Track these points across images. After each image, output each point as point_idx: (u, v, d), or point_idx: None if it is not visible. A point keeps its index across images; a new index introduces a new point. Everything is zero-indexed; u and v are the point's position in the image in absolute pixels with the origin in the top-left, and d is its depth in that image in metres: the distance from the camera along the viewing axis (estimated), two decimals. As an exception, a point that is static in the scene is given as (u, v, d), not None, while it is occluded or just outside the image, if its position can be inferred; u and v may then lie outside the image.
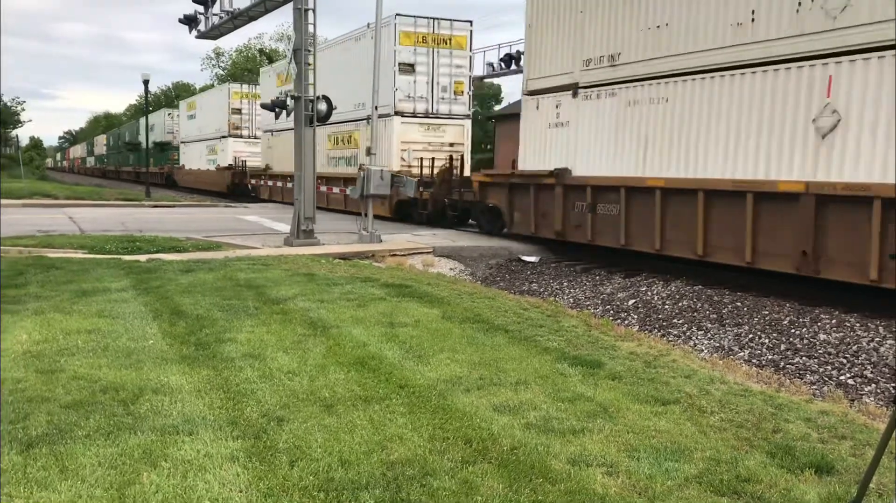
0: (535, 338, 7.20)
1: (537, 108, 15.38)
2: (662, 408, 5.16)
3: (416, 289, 9.71)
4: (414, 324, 7.57)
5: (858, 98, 9.51)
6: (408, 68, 21.37)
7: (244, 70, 65.05)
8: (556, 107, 14.77)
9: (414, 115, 21.50)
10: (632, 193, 13.02)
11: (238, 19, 17.72)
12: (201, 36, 18.96)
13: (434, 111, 21.80)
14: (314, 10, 14.86)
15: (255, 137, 36.28)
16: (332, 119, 16.95)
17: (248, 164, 35.45)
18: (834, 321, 9.19)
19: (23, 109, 66.75)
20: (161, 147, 50.35)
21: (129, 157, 62.34)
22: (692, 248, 11.87)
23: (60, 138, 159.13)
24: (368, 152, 15.99)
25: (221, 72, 70.53)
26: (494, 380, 5.69)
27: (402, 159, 21.37)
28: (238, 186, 35.67)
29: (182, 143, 42.69)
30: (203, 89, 59.43)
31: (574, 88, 14.26)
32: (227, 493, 3.67)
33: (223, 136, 38.71)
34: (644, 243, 12.84)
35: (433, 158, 20.35)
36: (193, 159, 43.83)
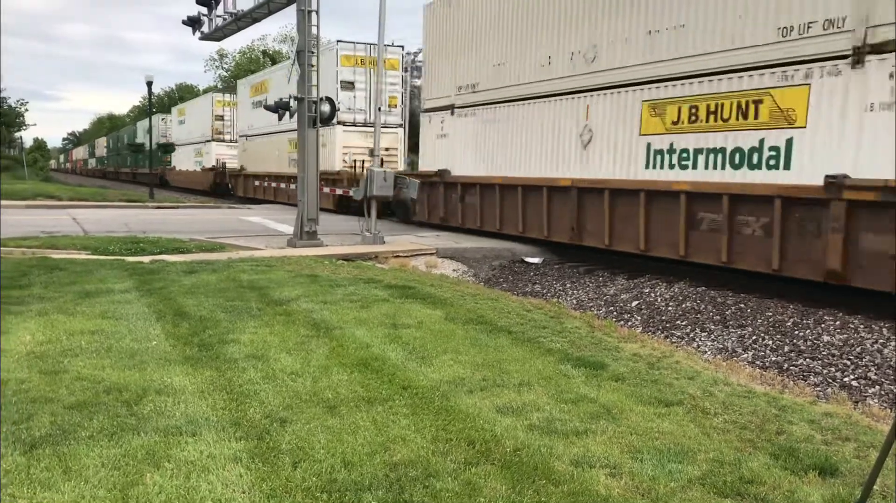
0: (538, 340, 7.20)
1: (430, 122, 19.79)
2: (666, 410, 5.15)
3: (420, 290, 9.71)
4: (417, 325, 7.57)
5: (608, 121, 13.71)
6: (348, 85, 25.83)
7: (247, 72, 65.17)
8: (441, 122, 19.14)
9: (354, 124, 25.80)
10: (484, 189, 17.33)
11: (241, 21, 17.73)
12: (205, 37, 18.96)
13: (371, 121, 24.07)
14: (317, 12, 14.88)
15: (235, 141, 39.56)
16: (289, 127, 20.91)
17: (227, 165, 39.51)
18: (838, 323, 9.17)
19: (26, 111, 66.89)
20: (165, 149, 50.59)
21: (126, 158, 65.41)
22: (516, 226, 16.32)
23: (64, 139, 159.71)
24: (371, 153, 15.98)
25: (225, 73, 70.72)
26: (497, 381, 5.69)
27: (344, 161, 25.52)
28: (219, 185, 39.60)
29: (174, 145, 46.34)
30: (206, 90, 60.23)
31: (451, 108, 18.69)
32: (230, 494, 3.67)
33: (207, 141, 42.56)
34: (490, 225, 17.19)
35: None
36: (183, 161, 47.46)
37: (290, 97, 15.11)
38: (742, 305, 10.32)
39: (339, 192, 24.38)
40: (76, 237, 15.30)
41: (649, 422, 4.87)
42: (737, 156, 11.27)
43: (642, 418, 4.95)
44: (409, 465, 4.03)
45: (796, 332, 9.11)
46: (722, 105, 11.46)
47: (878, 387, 7.42)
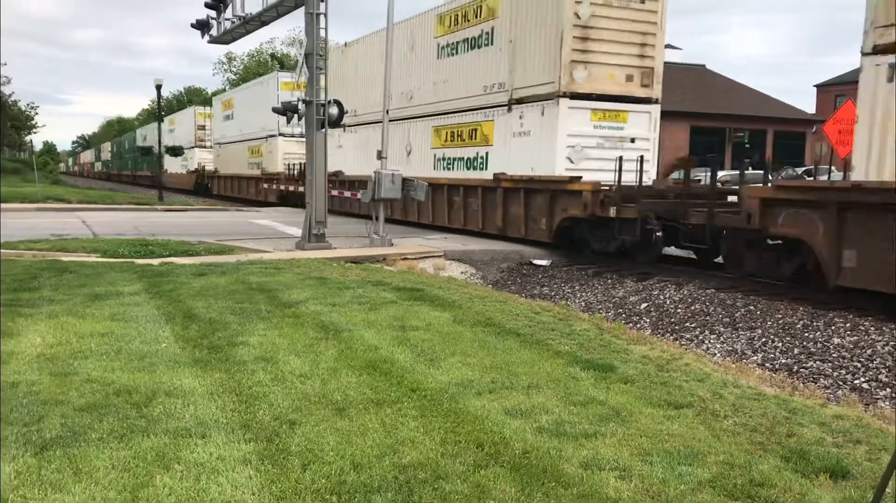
0: (546, 342, 7.19)
1: (330, 135, 23.45)
2: (675, 412, 5.13)
3: (428, 292, 9.71)
4: (425, 327, 7.57)
5: (418, 139, 20.85)
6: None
7: (256, 74, 65.36)
8: (338, 136, 25.11)
9: (292, 135, 31.39)
10: (362, 183, 20.09)
11: (250, 24, 17.80)
12: (213, 41, 19.05)
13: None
14: (325, 15, 14.92)
15: (212, 147, 45.87)
16: (248, 137, 34.66)
17: (206, 168, 45.94)
18: (848, 325, 9.12)
19: (36, 114, 67.23)
20: (174, 151, 51.11)
21: (127, 162, 72.17)
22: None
23: (74, 142, 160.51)
24: (379, 156, 16.00)
25: (233, 76, 70.93)
26: (506, 383, 5.69)
27: (284, 164, 31.55)
28: (200, 185, 46.02)
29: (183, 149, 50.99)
30: (214, 93, 60.94)
31: (344, 126, 23.10)
32: (239, 496, 3.68)
33: (191, 147, 48.94)
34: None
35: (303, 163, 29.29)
36: (173, 164, 53.01)
37: (299, 99, 15.15)
38: (751, 307, 10.29)
39: (281, 188, 31.32)
40: (86, 240, 15.37)
41: (659, 425, 4.85)
42: (467, 162, 18.69)
43: (652, 420, 4.94)
44: (418, 468, 4.03)
45: (806, 335, 9.07)
46: (462, 131, 18.89)
47: (889, 389, 7.38)
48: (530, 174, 15.89)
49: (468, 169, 18.46)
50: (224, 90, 63.86)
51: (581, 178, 14.60)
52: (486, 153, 17.68)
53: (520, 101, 16.35)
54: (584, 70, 14.99)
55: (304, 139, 28.01)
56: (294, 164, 30.20)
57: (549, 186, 15.39)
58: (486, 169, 17.50)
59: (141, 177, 62.86)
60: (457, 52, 18.88)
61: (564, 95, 15.00)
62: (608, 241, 14.52)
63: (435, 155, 19.93)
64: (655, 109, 16.03)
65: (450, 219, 19.21)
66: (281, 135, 32.05)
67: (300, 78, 15.24)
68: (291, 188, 29.42)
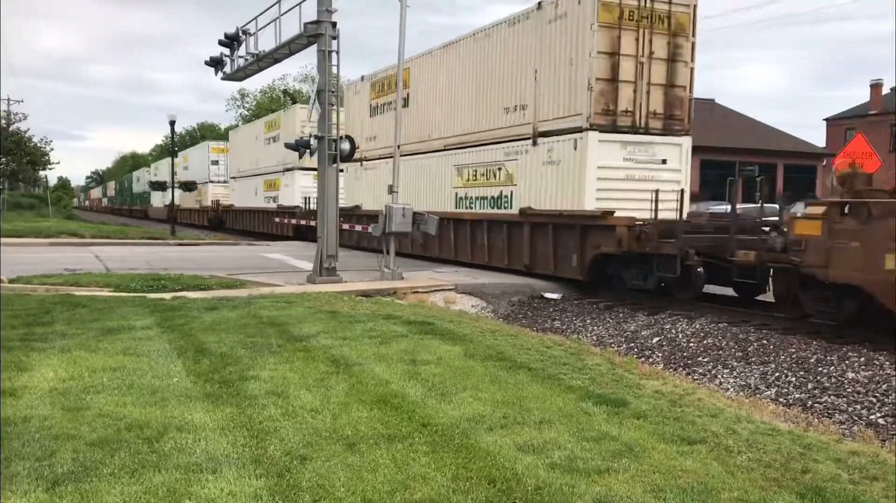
0: (558, 377, 7.16)
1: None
2: (689, 448, 5.09)
3: (439, 326, 9.70)
4: (436, 361, 7.55)
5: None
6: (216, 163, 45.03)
7: (268, 110, 66.08)
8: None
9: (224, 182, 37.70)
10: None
11: (263, 61, 18.04)
12: (227, 78, 19.30)
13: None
14: (338, 53, 15.13)
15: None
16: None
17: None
18: (862, 359, 9.04)
19: (51, 149, 68.00)
20: (187, 186, 51.73)
21: (126, 198, 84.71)
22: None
23: (88, 178, 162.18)
24: (390, 190, 16.10)
25: (246, 112, 71.70)
26: (518, 418, 5.66)
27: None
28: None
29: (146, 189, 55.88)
30: (228, 129, 62.04)
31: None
32: (250, 532, 3.66)
33: (205, 182, 48.92)
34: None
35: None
36: (156, 200, 62.61)
37: (311, 135, 15.31)
38: (764, 341, 10.22)
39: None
40: (98, 274, 15.46)
41: (672, 461, 4.81)
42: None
43: (665, 456, 4.90)
44: (429, 504, 4.01)
45: (820, 369, 9.00)
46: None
47: (905, 425, 7.29)
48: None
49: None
50: (237, 125, 64.82)
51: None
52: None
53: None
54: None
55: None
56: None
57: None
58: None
59: (136, 210, 75.17)
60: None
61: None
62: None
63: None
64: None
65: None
66: (211, 182, 37.60)
67: (313, 114, 15.40)
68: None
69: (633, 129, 14.93)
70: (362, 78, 25.59)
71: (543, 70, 15.79)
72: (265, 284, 14.51)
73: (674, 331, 11.45)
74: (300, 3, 15.84)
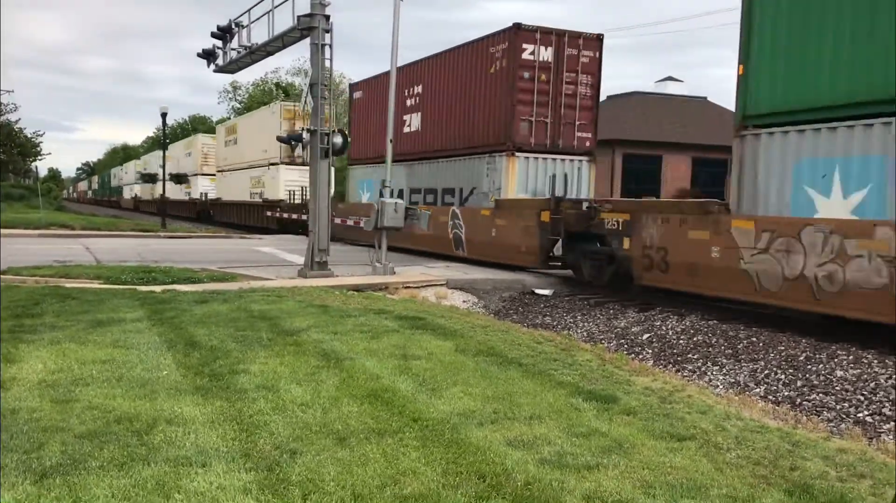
0: (549, 372, 7.17)
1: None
2: (678, 445, 5.11)
3: (430, 321, 9.70)
4: (427, 356, 7.56)
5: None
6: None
7: (261, 103, 65.84)
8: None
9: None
10: None
11: (255, 54, 17.96)
12: (219, 70, 19.21)
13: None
14: (331, 46, 15.08)
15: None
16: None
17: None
18: (851, 357, 9.09)
19: (42, 141, 67.55)
20: (178, 178, 51.60)
21: (107, 191, 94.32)
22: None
23: (78, 169, 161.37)
24: (384, 185, 16.08)
25: (238, 105, 71.38)
26: (508, 414, 5.67)
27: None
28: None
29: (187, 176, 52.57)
30: (219, 122, 61.87)
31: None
32: (239, 526, 3.65)
33: (195, 174, 49.76)
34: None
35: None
36: (126, 193, 75.32)
37: (303, 129, 15.26)
38: (754, 339, 10.26)
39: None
40: (89, 266, 15.40)
41: (661, 457, 4.83)
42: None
43: (654, 453, 4.91)
44: (419, 499, 4.01)
45: (809, 367, 9.04)
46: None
47: (893, 423, 7.33)
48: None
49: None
50: (228, 118, 64.75)
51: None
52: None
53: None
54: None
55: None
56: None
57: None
58: None
59: (113, 201, 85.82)
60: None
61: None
62: None
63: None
64: None
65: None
66: (282, 163, 33.75)
67: (306, 107, 15.35)
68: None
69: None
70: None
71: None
72: (256, 278, 14.48)
73: (664, 327, 11.49)
74: (294, -4, 15.78)
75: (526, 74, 17.71)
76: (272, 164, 34.61)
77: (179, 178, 51.22)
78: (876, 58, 9.61)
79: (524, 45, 17.66)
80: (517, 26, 17.59)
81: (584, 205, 14.67)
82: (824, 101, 10.34)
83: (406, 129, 22.60)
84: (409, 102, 22.50)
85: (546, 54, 17.94)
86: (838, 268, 9.59)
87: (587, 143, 18.81)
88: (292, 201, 32.61)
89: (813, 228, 9.94)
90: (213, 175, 45.31)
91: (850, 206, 10.03)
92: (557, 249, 15.50)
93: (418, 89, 22.03)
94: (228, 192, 41.67)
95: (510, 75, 17.68)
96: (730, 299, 11.88)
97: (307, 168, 33.20)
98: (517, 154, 18.10)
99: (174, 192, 50.41)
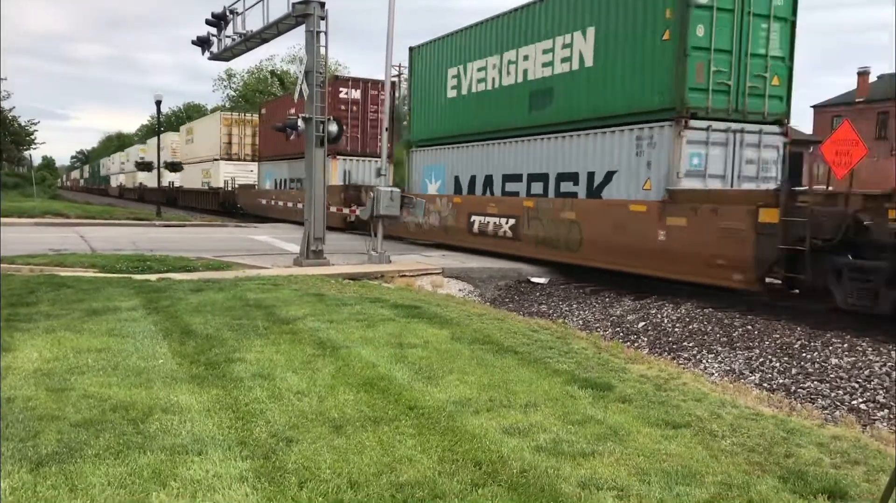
0: (544, 360, 7.18)
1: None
2: (673, 432, 5.12)
3: (426, 309, 9.70)
4: (423, 345, 7.56)
5: None
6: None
7: (255, 91, 65.58)
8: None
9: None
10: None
11: (250, 41, 17.87)
12: (214, 58, 19.11)
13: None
14: (326, 33, 15.01)
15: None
16: (200, 159, 45.00)
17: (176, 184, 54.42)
18: (846, 345, 9.12)
19: (36, 129, 67.21)
20: (172, 167, 51.60)
21: (97, 179, 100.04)
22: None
23: (73, 158, 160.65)
24: (378, 174, 16.04)
25: (233, 93, 71.12)
26: (504, 401, 5.67)
27: (224, 181, 40.65)
28: (170, 199, 51.83)
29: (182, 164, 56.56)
30: (213, 110, 61.94)
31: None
32: (235, 514, 3.66)
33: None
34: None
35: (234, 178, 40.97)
36: (112, 181, 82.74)
37: (299, 116, 15.21)
38: (749, 327, 10.29)
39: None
40: (84, 255, 15.36)
41: (656, 444, 4.84)
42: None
43: (649, 440, 4.93)
44: (415, 486, 4.02)
45: (804, 355, 9.07)
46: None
47: (886, 410, 7.37)
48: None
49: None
50: (224, 106, 64.67)
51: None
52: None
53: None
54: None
55: (245, 164, 40.00)
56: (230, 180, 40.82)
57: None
58: None
59: (101, 189, 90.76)
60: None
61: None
62: None
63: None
64: None
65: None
66: (221, 159, 41.40)
67: (301, 95, 15.28)
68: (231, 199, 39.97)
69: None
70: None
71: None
72: (252, 266, 14.46)
73: (659, 315, 11.51)
74: (288, -17, 15.70)
75: None
76: (214, 160, 41.95)
77: (174, 167, 51.23)
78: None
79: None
80: None
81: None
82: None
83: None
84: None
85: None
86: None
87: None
88: (227, 189, 40.52)
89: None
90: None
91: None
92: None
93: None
94: (189, 181, 48.84)
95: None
96: None
97: (242, 162, 39.26)
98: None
99: (149, 180, 56.53)
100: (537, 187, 16.51)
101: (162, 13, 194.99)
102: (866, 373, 8.27)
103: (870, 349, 8.90)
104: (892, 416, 7.20)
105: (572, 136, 15.34)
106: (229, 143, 41.54)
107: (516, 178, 17.30)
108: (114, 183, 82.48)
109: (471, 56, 18.94)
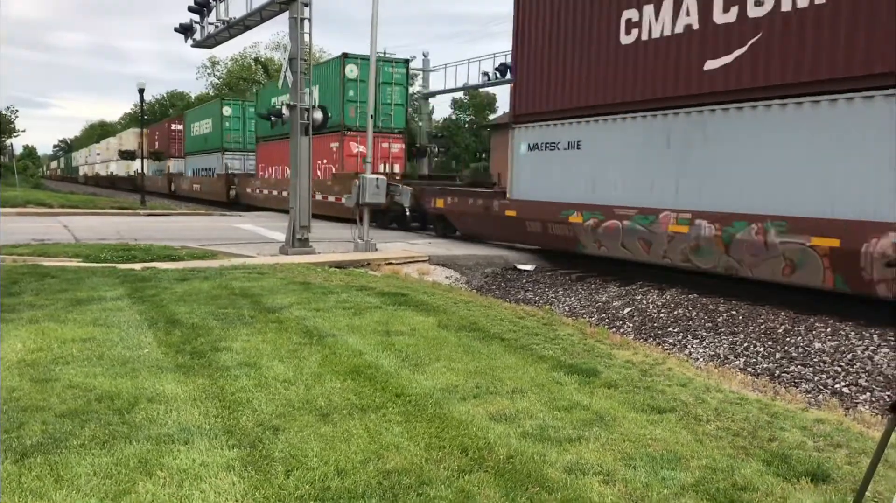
0: (531, 347, 7.21)
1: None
2: (658, 417, 5.16)
3: (412, 297, 9.70)
4: (410, 332, 7.57)
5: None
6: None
7: (239, 79, 65.07)
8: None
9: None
10: None
11: (233, 28, 17.73)
12: (197, 45, 18.96)
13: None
14: (310, 20, 14.91)
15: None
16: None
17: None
18: (829, 330, 9.21)
19: (16, 118, 66.52)
20: (157, 156, 51.25)
21: (71, 169, 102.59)
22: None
23: (55, 147, 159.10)
24: (364, 160, 16.00)
25: (217, 81, 70.53)
26: (491, 388, 5.69)
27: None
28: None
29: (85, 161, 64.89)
30: (198, 98, 61.66)
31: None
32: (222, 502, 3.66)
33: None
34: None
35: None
36: (80, 171, 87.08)
37: (283, 104, 15.12)
38: (733, 312, 10.36)
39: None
40: (67, 244, 15.25)
41: (642, 429, 4.88)
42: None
43: (635, 425, 4.96)
44: (402, 473, 4.03)
45: (788, 339, 9.15)
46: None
47: (868, 393, 7.45)
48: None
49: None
50: (208, 94, 64.19)
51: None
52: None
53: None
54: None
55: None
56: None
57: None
58: None
59: (73, 178, 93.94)
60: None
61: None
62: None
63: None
64: None
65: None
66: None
67: (284, 82, 15.19)
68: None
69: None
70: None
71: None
72: (237, 255, 14.41)
73: (644, 301, 11.57)
74: (272, -31, 15.57)
75: None
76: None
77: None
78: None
79: None
80: None
81: None
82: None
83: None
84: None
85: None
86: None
87: None
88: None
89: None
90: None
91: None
92: None
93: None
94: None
95: None
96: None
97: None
98: None
99: (119, 169, 62.21)
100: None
101: (143, 0, 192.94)
102: (849, 356, 8.36)
103: (853, 333, 8.98)
104: (873, 400, 7.29)
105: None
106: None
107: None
108: (81, 173, 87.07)
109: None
